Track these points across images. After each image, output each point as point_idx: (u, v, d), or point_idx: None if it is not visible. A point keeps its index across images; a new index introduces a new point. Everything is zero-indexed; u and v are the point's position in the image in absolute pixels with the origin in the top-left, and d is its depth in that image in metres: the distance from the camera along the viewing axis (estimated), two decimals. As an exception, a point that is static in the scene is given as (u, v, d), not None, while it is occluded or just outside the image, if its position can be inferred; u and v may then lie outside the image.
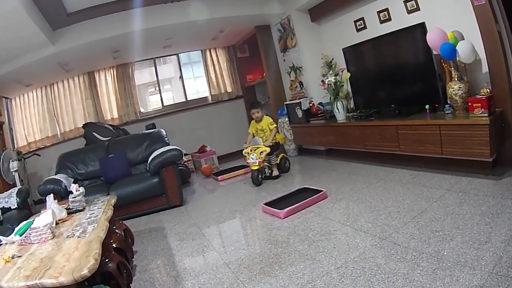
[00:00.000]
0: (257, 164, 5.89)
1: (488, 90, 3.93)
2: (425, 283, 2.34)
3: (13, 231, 3.33)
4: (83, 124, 7.91)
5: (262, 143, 6.11)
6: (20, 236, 3.10)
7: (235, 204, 5.27)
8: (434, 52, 4.38)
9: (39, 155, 7.86)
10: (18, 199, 5.37)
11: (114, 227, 3.87)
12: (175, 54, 9.34)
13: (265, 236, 3.88)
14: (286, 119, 7.47)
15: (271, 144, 6.08)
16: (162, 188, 5.74)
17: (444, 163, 4.52)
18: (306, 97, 6.99)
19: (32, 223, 3.25)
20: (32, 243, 2.93)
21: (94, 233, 2.91)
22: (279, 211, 4.28)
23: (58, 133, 8.48)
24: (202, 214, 5.18)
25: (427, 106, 4.59)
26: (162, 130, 7.07)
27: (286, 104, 7.41)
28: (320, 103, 6.75)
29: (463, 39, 4.13)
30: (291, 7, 6.97)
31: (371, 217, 3.66)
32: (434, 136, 4.25)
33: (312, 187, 4.90)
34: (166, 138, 6.83)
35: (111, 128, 7.84)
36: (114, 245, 3.42)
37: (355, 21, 6.00)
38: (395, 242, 3.00)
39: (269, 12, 7.27)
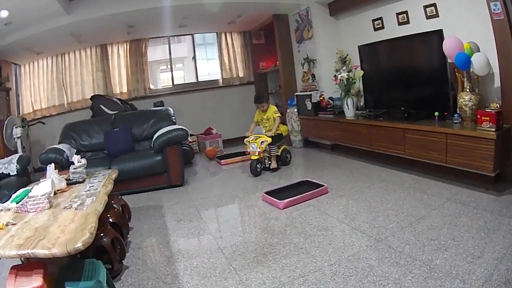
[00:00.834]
0: (257, 154, 5.80)
1: (498, 105, 3.91)
2: None
3: (10, 197, 3.28)
4: (91, 96, 7.92)
5: (264, 133, 6.05)
6: (17, 203, 3.07)
7: (235, 189, 5.30)
8: (449, 61, 4.35)
9: (44, 123, 7.88)
10: (18, 166, 5.37)
11: (113, 201, 3.88)
12: (190, 34, 9.30)
13: (262, 225, 3.89)
14: (295, 110, 7.47)
15: (273, 134, 5.94)
16: (165, 167, 5.76)
17: (447, 172, 4.52)
18: (317, 90, 6.99)
19: (30, 191, 3.23)
20: (28, 212, 2.92)
21: (92, 207, 2.90)
22: (279, 201, 4.30)
23: (65, 102, 8.49)
24: (202, 196, 5.20)
25: (436, 113, 4.57)
26: (170, 109, 7.06)
27: (296, 95, 7.41)
28: (331, 98, 6.74)
29: (479, 51, 4.10)
30: (311, -1, 6.94)
31: (369, 218, 3.68)
32: (440, 144, 4.25)
33: (314, 180, 4.91)
34: (173, 117, 6.82)
35: (119, 102, 7.84)
36: (110, 220, 3.45)
37: (373, 20, 5.97)
38: (390, 246, 3.02)
39: (288, 2, 7.21)
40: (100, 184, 3.67)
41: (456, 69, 4.27)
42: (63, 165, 5.31)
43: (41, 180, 3.67)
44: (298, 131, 7.58)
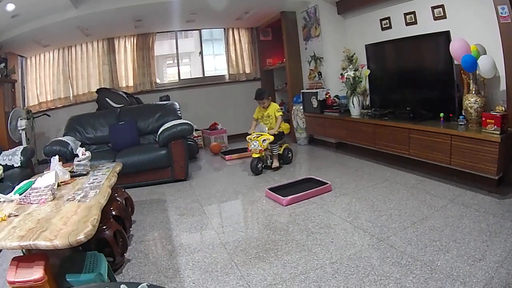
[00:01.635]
0: (258, 152, 5.74)
1: (503, 108, 3.91)
2: None
3: (13, 189, 3.30)
4: (97, 89, 7.93)
5: (266, 130, 5.91)
6: (20, 195, 3.08)
7: (239, 185, 5.31)
8: (455, 62, 4.35)
9: (49, 116, 7.87)
10: (22, 157, 5.36)
11: (116, 194, 3.90)
12: (197, 30, 9.29)
13: (265, 221, 3.90)
14: (301, 107, 7.47)
15: (276, 133, 5.83)
16: (169, 161, 5.77)
17: (451, 173, 4.52)
18: (323, 88, 6.99)
19: (34, 183, 3.25)
20: (31, 203, 2.92)
21: (95, 199, 2.91)
22: (282, 198, 4.32)
23: (71, 95, 8.49)
24: (206, 191, 5.22)
25: (441, 114, 4.57)
26: (176, 103, 7.07)
27: (302, 92, 7.41)
28: (336, 96, 6.73)
29: (485, 53, 4.10)
30: (319, -3, 6.93)
31: (372, 217, 3.69)
32: (445, 145, 4.25)
33: (317, 178, 4.92)
34: (179, 112, 6.83)
35: (124, 95, 7.85)
36: (113, 213, 3.47)
37: (381, 20, 5.94)
38: (392, 245, 3.03)
39: (296, -1, 7.23)
40: (104, 177, 3.68)
41: (462, 71, 4.26)
42: (67, 158, 5.37)
43: (45, 172, 3.69)
44: (303, 128, 7.58)
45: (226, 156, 7.18)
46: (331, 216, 3.82)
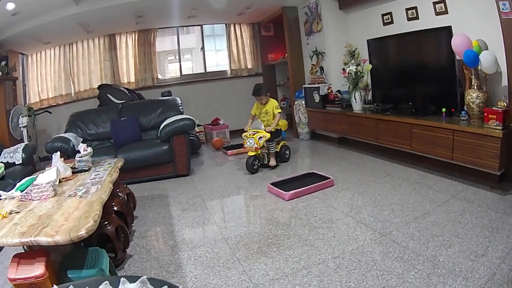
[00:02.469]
0: (254, 150, 5.56)
1: (505, 104, 3.89)
2: (418, 286, 2.37)
3: (15, 186, 3.27)
4: (99, 85, 7.94)
5: (262, 127, 5.74)
6: (21, 192, 3.07)
7: (241, 180, 5.33)
8: (457, 57, 4.34)
9: (50, 113, 7.88)
10: (23, 154, 5.37)
11: (118, 190, 3.92)
12: (198, 25, 9.29)
13: (267, 216, 3.92)
14: (303, 102, 7.47)
15: (273, 130, 5.67)
16: (171, 156, 5.79)
17: (453, 169, 4.51)
18: (325, 83, 6.97)
19: (35, 180, 3.23)
20: (33, 200, 2.92)
21: (96, 194, 2.91)
22: (284, 192, 4.33)
23: (72, 92, 8.50)
24: (208, 186, 5.24)
25: (443, 109, 4.56)
26: (177, 99, 7.08)
27: (304, 87, 7.41)
28: (338, 91, 6.72)
29: (487, 49, 4.08)
30: (320, -9, 6.91)
31: (374, 212, 3.70)
32: (447, 140, 4.25)
33: (320, 173, 4.93)
34: (181, 107, 6.83)
35: (126, 91, 7.86)
36: (115, 208, 3.48)
37: (383, 15, 5.92)
38: (394, 240, 3.04)
39: (298, -6, 7.20)
40: (106, 172, 3.68)
41: (464, 66, 4.24)
42: (69, 154, 5.33)
43: (46, 169, 3.68)
44: (305, 123, 7.58)
45: (228, 151, 7.20)
46: (334, 211, 3.83)
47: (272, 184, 4.70)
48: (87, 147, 4.10)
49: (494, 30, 4.08)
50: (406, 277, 2.48)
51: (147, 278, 1.20)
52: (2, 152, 5.45)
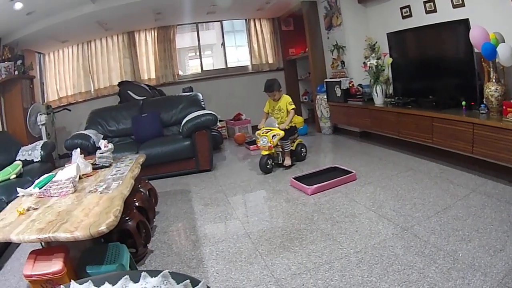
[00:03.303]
0: (268, 148, 5.31)
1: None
2: (438, 281, 2.38)
3: (33, 183, 3.32)
4: (119, 82, 8.03)
5: (276, 125, 5.47)
6: (40, 189, 3.10)
7: (264, 175, 5.33)
8: (476, 50, 4.31)
9: (70, 110, 8.01)
10: (42, 152, 5.40)
11: (139, 185, 3.94)
12: (218, 21, 9.37)
13: (289, 211, 3.95)
14: (325, 96, 7.47)
15: (287, 127, 5.42)
16: (193, 152, 5.83)
17: (473, 162, 4.50)
18: (347, 77, 6.97)
19: (54, 177, 3.27)
20: (51, 196, 2.93)
21: (117, 190, 2.93)
22: (308, 187, 4.36)
23: (92, 89, 8.63)
24: (230, 181, 5.29)
25: (463, 103, 4.53)
26: (199, 94, 7.14)
27: (326, 81, 7.42)
28: (360, 85, 6.73)
29: (504, 41, 4.04)
30: (339, -15, 6.90)
31: (396, 206, 3.72)
32: (467, 134, 4.22)
33: (342, 167, 4.94)
34: (202, 103, 6.89)
35: (147, 88, 7.93)
36: (136, 204, 3.46)
37: (401, 8, 5.89)
38: (416, 235, 3.06)
39: (317, -12, 7.19)
40: (127, 168, 3.72)
41: (482, 59, 4.21)
42: (89, 151, 5.43)
43: (66, 165, 3.73)
44: (327, 117, 7.59)
45: (251, 146, 7.24)
46: (356, 205, 3.87)
47: (295, 178, 4.72)
48: (108, 143, 4.15)
49: (511, 23, 4.07)
50: (427, 272, 2.50)
51: (168, 272, 1.18)
52: (20, 150, 5.51)
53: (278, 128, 5.38)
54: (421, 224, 3.26)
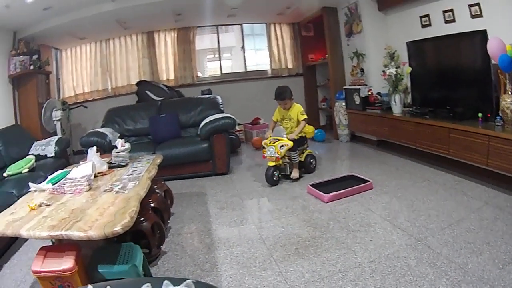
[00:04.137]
0: (274, 159, 5.05)
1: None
2: None
3: (46, 179, 3.30)
4: (137, 82, 8.11)
5: (285, 135, 5.20)
6: (53, 184, 3.08)
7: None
8: (493, 62, 4.32)
9: (86, 107, 8.10)
10: (56, 147, 5.47)
11: (155, 186, 3.94)
12: (238, 24, 9.42)
13: (305, 217, 3.97)
14: (343, 104, 7.49)
15: (295, 137, 5.14)
16: (210, 154, 5.87)
17: (487, 175, 4.48)
18: (366, 84, 7.01)
19: (68, 173, 3.27)
20: (65, 193, 2.92)
21: (134, 190, 2.92)
22: (324, 194, 4.37)
23: (109, 87, 8.73)
24: (246, 185, 5.32)
25: (480, 114, 4.53)
26: (218, 97, 7.19)
27: (345, 88, 7.45)
28: (379, 93, 6.74)
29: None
30: (359, -7, 6.94)
31: (411, 216, 3.74)
32: (483, 146, 4.21)
33: (359, 175, 4.95)
34: (221, 105, 6.94)
35: (165, 88, 8.00)
36: (152, 205, 3.46)
37: (421, 17, 5.91)
38: (429, 246, 3.09)
39: (337, -5, 7.23)
40: (144, 168, 3.72)
41: (499, 71, 4.22)
42: (105, 149, 5.48)
43: (81, 163, 3.70)
44: (345, 125, 7.61)
45: (268, 151, 7.23)
46: (371, 215, 3.89)
47: (311, 185, 4.73)
48: (124, 142, 4.18)
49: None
50: (438, 283, 2.52)
51: (192, 281, 1.17)
52: (34, 145, 5.58)
53: (287, 138, 5.11)
54: (434, 235, 3.28)
